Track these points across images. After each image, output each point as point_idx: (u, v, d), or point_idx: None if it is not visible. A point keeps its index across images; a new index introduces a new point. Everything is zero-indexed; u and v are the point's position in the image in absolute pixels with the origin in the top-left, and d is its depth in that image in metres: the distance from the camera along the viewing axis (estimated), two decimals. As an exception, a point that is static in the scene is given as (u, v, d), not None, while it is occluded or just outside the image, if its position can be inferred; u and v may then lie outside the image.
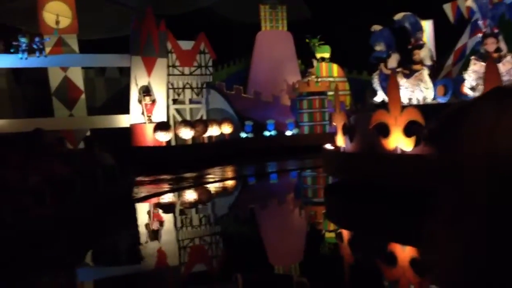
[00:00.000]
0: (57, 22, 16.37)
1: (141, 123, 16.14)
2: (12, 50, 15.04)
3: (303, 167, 13.61)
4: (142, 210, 8.11)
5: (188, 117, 18.39)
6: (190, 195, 9.49)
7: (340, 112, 8.66)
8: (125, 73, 19.55)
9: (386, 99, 8.61)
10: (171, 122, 16.81)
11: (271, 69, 20.64)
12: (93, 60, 16.93)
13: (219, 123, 17.63)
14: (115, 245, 6.07)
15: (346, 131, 8.44)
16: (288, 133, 19.14)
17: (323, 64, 20.97)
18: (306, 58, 21.57)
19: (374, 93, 9.48)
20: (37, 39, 15.06)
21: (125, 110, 16.78)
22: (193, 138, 16.52)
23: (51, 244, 5.67)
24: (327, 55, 20.99)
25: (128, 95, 17.85)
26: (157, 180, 11.50)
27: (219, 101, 19.29)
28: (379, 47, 9.23)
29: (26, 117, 16.75)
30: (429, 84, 8.36)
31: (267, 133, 18.94)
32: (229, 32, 21.55)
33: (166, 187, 10.25)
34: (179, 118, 18.22)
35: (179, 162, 14.40)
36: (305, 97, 19.29)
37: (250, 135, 18.79)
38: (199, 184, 10.74)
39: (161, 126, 15.54)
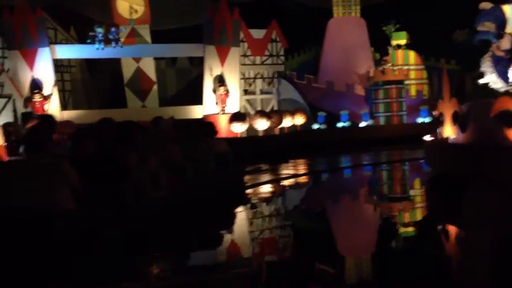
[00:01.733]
0: (131, 12, 16.25)
1: (215, 114, 15.81)
2: (88, 41, 15.00)
3: (399, 160, 12.97)
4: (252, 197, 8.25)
5: (259, 108, 17.98)
6: (294, 185, 9.57)
7: (450, 100, 7.86)
8: (195, 64, 19.35)
9: (498, 83, 7.83)
10: (242, 113, 16.43)
11: (343, 58, 19.87)
12: (167, 50, 16.72)
13: (292, 113, 17.10)
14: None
15: (458, 120, 7.66)
16: (363, 124, 18.38)
17: (399, 52, 19.97)
18: (379, 46, 20.74)
19: (479, 76, 8.66)
20: (113, 29, 14.95)
21: (197, 100, 16.52)
22: (266, 129, 16.07)
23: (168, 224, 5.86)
24: (403, 41, 19.98)
25: (199, 86, 17.60)
26: (254, 170, 11.29)
27: (290, 91, 18.76)
28: (486, 27, 8.38)
29: (99, 108, 16.76)
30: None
31: (340, 124, 18.26)
32: (300, 20, 20.88)
33: (265, 177, 10.32)
34: (250, 109, 17.85)
35: (255, 154, 13.97)
36: (381, 87, 18.45)
37: (322, 127, 18.17)
38: (295, 175, 10.61)
39: (237, 117, 15.14)
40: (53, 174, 4.72)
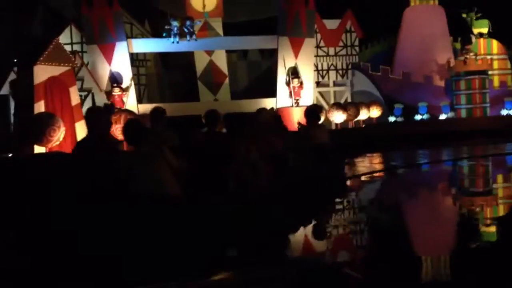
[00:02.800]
0: (204, 6, 16.17)
1: (288, 107, 15.50)
2: (164, 34, 15.04)
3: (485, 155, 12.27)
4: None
5: (332, 101, 17.55)
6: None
7: None
8: (266, 56, 19.11)
9: None
10: (316, 106, 16.01)
11: (420, 48, 19.01)
12: (240, 43, 16.52)
13: (367, 106, 16.54)
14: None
15: None
16: (442, 116, 17.54)
17: (481, 40, 18.91)
18: (459, 35, 19.74)
19: None
20: (188, 22, 14.90)
21: (268, 93, 16.27)
22: (341, 122, 15.62)
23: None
24: (485, 30, 18.89)
25: (270, 79, 17.33)
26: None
27: (364, 83, 18.17)
28: None
29: (172, 101, 16.84)
30: None
31: (418, 117, 17.50)
32: (375, 9, 20.17)
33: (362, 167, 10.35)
34: (322, 102, 17.44)
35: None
36: (463, 77, 17.53)
37: (399, 119, 17.48)
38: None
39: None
40: (156, 160, 4.95)
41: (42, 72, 9.21)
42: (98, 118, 5.48)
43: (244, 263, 4.20)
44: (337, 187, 7.98)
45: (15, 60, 11.37)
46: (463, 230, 5.61)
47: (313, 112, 8.54)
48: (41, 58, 9.15)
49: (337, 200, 7.39)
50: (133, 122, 5.45)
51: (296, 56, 15.79)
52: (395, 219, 6.31)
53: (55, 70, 9.41)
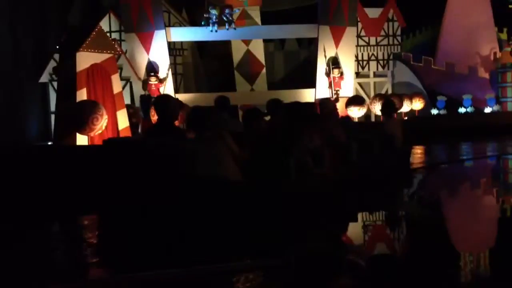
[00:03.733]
0: (243, -6, 15.84)
1: (328, 98, 15.09)
2: (202, 23, 14.78)
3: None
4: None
5: (371, 92, 17.08)
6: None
7: None
8: (304, 46, 18.70)
9: None
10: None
11: (464, 38, 18.29)
12: (280, 32, 16.17)
13: (410, 98, 16.03)
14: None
15: None
16: (488, 110, 16.89)
17: (530, 31, 18.13)
18: (504, 24, 18.97)
19: None
20: (227, 10, 14.61)
21: (306, 84, 15.90)
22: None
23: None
24: (534, 20, 18.10)
25: (307, 69, 16.95)
26: None
27: (405, 74, 17.59)
28: None
29: (209, 91, 16.63)
30: None
31: (462, 110, 16.89)
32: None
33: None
34: (362, 93, 16.98)
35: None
36: (509, 69, 16.80)
37: (442, 112, 16.89)
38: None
39: (355, 101, 14.35)
40: (218, 145, 5.13)
41: (85, 59, 9.06)
42: (168, 105, 5.67)
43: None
44: (399, 178, 7.86)
45: (57, 47, 11.26)
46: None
47: (390, 103, 8.68)
48: (84, 45, 8.99)
49: (394, 191, 7.25)
50: (198, 109, 5.60)
51: (337, 45, 15.35)
52: (442, 214, 6.26)
53: (98, 57, 9.26)
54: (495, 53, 17.64)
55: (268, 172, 5.25)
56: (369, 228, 5.60)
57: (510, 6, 18.42)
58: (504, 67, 16.91)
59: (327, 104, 7.45)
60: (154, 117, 9.79)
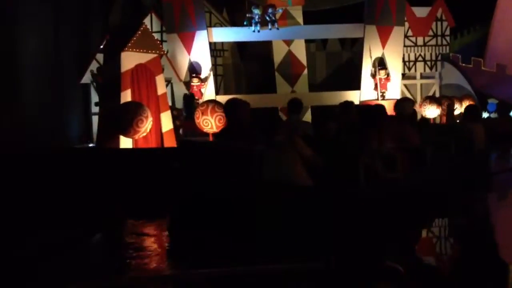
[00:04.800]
0: (286, -7, 15.41)
1: (373, 100, 14.53)
2: (245, 23, 14.42)
3: None
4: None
5: (418, 94, 16.44)
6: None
7: None
8: (347, 47, 18.16)
9: None
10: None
11: (516, 38, 17.49)
12: (324, 32, 15.71)
13: (460, 100, 15.31)
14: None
15: None
16: (542, 113, 16.03)
17: None
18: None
19: None
20: (270, 10, 14.21)
21: (347, 85, 15.37)
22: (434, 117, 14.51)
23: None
24: None
25: (350, 70, 16.43)
26: None
27: (454, 75, 16.86)
28: None
29: (248, 93, 16.27)
30: None
31: (514, 113, 16.10)
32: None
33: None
34: (408, 95, 16.34)
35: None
36: None
37: (493, 115, 16.13)
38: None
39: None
40: (287, 151, 5.07)
41: (130, 59, 8.79)
42: (238, 108, 5.73)
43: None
44: (477, 185, 7.50)
45: (100, 47, 11.04)
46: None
47: (474, 109, 8.61)
48: (129, 44, 8.71)
49: (471, 198, 6.90)
50: (269, 114, 5.81)
51: (383, 46, 14.78)
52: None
53: (143, 57, 8.98)
54: (550, 54, 16.75)
55: (337, 176, 5.15)
56: (426, 237, 5.49)
57: None
58: (561, 68, 16.04)
59: (403, 106, 7.16)
60: (198, 120, 9.44)
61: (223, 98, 14.74)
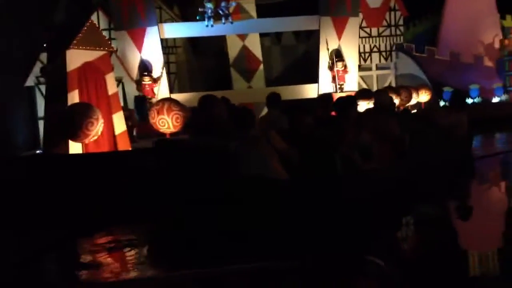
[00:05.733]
0: (237, -14, 14.98)
1: (332, 93, 14.31)
2: (198, 18, 13.93)
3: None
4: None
5: (374, 86, 16.35)
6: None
7: None
8: (301, 40, 17.91)
9: None
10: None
11: (467, 26, 17.66)
12: (278, 25, 15.38)
13: (416, 90, 15.29)
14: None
15: None
16: (495, 100, 16.24)
17: (533, 17, 17.50)
18: (506, 11, 18.36)
19: None
20: (223, 4, 13.76)
21: (304, 79, 15.13)
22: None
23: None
24: (538, 5, 17.47)
25: (307, 64, 16.19)
26: None
27: (408, 65, 16.84)
28: None
29: (204, 90, 15.78)
30: None
31: (469, 101, 16.23)
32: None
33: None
34: (364, 87, 16.24)
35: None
36: (517, 56, 16.19)
37: (448, 104, 16.19)
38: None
39: (363, 94, 13.48)
40: (263, 144, 5.09)
41: (76, 57, 8.17)
42: (214, 104, 5.72)
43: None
44: (458, 171, 7.56)
45: (44, 45, 10.33)
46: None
47: (460, 97, 8.70)
48: (75, 41, 8.11)
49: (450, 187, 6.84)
50: (242, 109, 5.87)
51: (339, 37, 14.60)
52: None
53: (90, 55, 8.37)
54: (500, 41, 16.99)
55: (314, 169, 5.13)
56: (403, 228, 5.43)
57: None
58: (512, 55, 16.30)
59: (382, 98, 7.19)
60: (153, 120, 8.91)
61: (177, 97, 14.15)
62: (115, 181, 6.45)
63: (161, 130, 8.92)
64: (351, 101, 6.30)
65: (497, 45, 17.59)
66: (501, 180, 7.93)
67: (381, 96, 7.36)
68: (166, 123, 8.75)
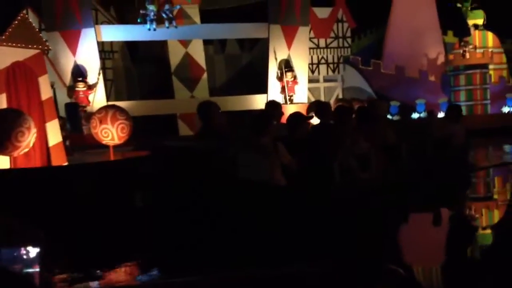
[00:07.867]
0: (183, -11, 14.09)
1: (283, 104, 13.67)
2: (139, 20, 12.90)
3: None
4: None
5: (322, 98, 15.92)
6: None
7: None
8: (246, 49, 17.22)
9: None
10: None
11: (410, 40, 17.68)
12: (227, 31, 14.65)
13: (362, 103, 14.98)
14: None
15: None
16: (441, 114, 16.20)
17: (477, 32, 17.74)
18: (449, 27, 18.64)
19: None
20: (167, 6, 12.82)
21: (249, 89, 14.47)
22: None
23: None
24: (480, 21, 17.74)
25: (251, 73, 15.53)
26: None
27: (355, 78, 16.67)
28: None
29: (143, 99, 14.76)
30: None
31: (415, 116, 16.14)
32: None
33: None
34: (312, 99, 15.79)
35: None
36: (462, 72, 16.30)
37: (396, 118, 16.04)
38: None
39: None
40: (271, 153, 5.09)
41: (4, 56, 6.94)
42: (209, 111, 5.74)
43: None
44: (453, 182, 7.49)
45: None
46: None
47: (457, 109, 8.54)
48: (3, 37, 6.89)
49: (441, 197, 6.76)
50: (264, 114, 5.66)
51: (289, 47, 14.04)
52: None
53: (21, 54, 7.15)
54: (444, 56, 17.11)
55: (312, 177, 5.16)
56: (412, 235, 5.46)
57: (459, 6, 17.81)
58: (457, 69, 16.39)
59: (379, 106, 7.20)
60: (95, 130, 7.78)
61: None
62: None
63: (103, 142, 7.78)
64: (349, 109, 6.34)
65: (440, 60, 17.71)
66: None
67: (378, 106, 7.34)
68: (110, 133, 7.61)
